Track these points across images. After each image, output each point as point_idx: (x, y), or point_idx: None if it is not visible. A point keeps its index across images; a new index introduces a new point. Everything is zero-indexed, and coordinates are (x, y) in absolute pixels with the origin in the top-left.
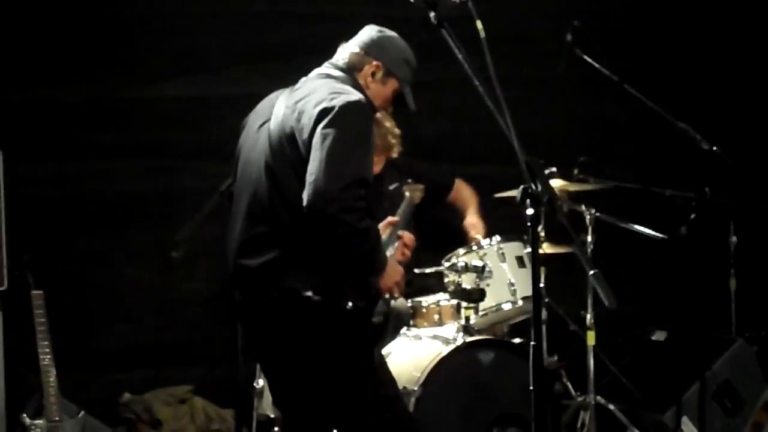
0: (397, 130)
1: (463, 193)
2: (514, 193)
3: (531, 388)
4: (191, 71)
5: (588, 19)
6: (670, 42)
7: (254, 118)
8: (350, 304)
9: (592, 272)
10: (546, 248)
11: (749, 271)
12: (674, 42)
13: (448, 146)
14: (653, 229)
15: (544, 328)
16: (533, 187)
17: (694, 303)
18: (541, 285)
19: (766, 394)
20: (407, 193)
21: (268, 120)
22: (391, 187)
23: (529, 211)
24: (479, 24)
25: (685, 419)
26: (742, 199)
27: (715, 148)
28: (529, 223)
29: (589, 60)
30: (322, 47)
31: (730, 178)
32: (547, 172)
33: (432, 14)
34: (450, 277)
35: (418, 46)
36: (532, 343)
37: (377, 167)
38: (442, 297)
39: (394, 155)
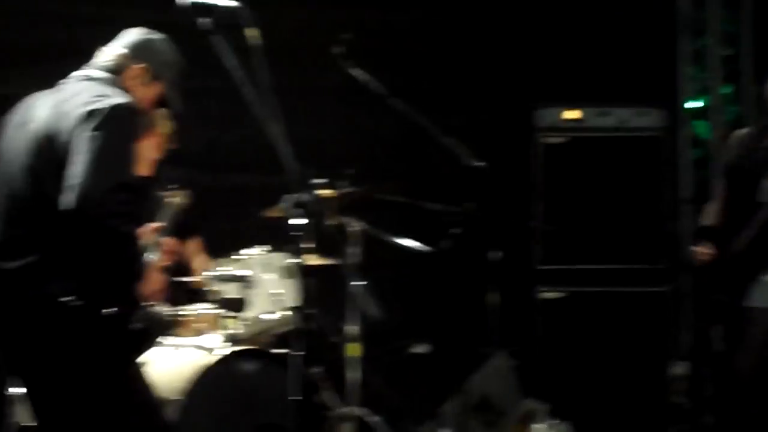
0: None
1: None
2: (282, 206)
3: (292, 398)
4: None
5: (361, 33)
6: (438, 57)
7: (13, 119)
8: (108, 310)
9: (357, 284)
10: (312, 259)
11: (512, 286)
12: (442, 57)
13: (214, 155)
14: (421, 243)
15: (307, 338)
16: (301, 197)
17: (457, 316)
18: (306, 296)
19: (523, 407)
20: (170, 199)
21: (28, 121)
22: (159, 194)
23: (297, 222)
24: (252, 32)
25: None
26: (506, 214)
27: (480, 164)
28: (295, 234)
29: (355, 73)
30: (90, 50)
31: (494, 193)
32: (316, 182)
33: (203, 20)
34: (212, 287)
35: (187, 52)
36: (293, 353)
37: (149, 170)
38: (203, 306)
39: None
